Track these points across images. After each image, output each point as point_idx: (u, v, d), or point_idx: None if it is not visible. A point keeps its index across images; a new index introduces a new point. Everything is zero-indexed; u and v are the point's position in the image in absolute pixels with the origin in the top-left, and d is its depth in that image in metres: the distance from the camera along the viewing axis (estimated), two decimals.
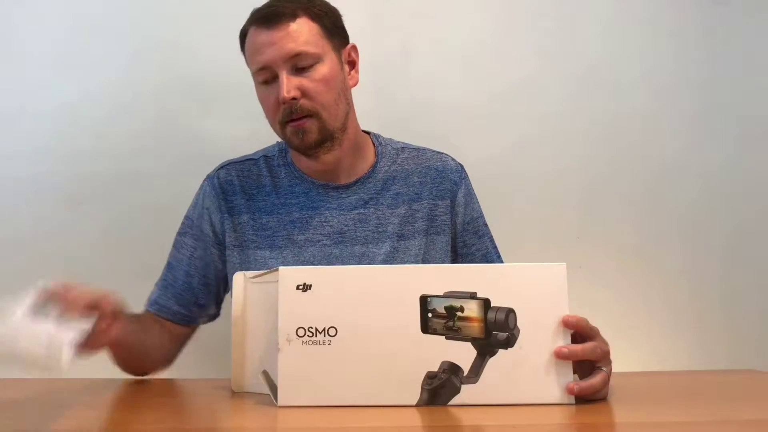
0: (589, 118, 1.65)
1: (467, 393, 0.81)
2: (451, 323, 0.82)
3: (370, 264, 1.16)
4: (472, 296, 0.83)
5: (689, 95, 1.66)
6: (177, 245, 1.23)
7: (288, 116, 1.12)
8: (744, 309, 1.64)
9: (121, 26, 1.57)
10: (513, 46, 1.64)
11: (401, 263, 1.17)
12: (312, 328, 0.82)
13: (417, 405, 0.81)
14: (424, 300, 0.83)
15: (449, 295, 0.83)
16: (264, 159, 1.25)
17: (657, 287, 1.63)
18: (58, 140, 1.55)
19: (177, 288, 1.20)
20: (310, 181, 1.21)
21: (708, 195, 1.66)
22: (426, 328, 0.82)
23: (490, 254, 1.27)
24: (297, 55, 1.10)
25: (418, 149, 1.28)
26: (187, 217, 1.25)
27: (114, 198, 1.56)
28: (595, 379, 0.83)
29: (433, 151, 1.28)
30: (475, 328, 0.82)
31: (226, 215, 1.20)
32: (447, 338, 0.82)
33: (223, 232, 1.20)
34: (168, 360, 1.21)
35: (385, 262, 1.17)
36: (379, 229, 1.19)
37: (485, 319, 0.82)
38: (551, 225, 1.62)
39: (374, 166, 1.23)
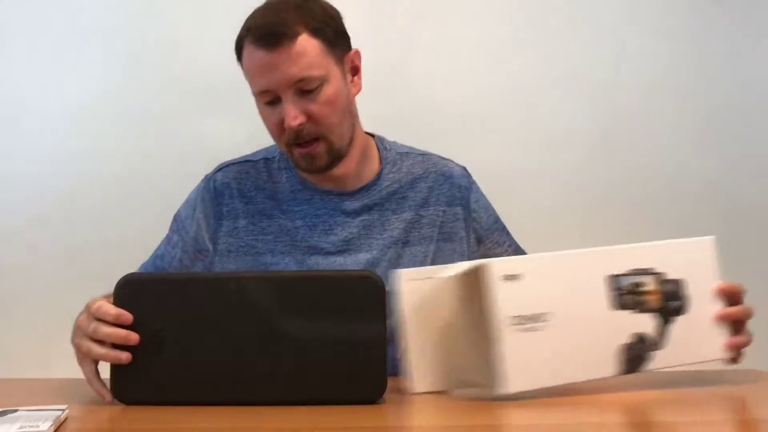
0: (591, 120, 1.68)
1: (656, 359, 0.90)
2: (635, 298, 0.90)
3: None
4: (651, 272, 0.91)
5: (691, 96, 1.70)
6: (169, 240, 1.21)
7: (294, 140, 1.09)
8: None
9: (121, 26, 1.56)
10: (515, 46, 1.67)
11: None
12: (523, 315, 0.86)
13: (616, 375, 0.89)
14: (611, 279, 0.90)
15: (632, 272, 0.91)
16: (264, 162, 1.21)
17: None
18: (58, 140, 1.53)
19: None
20: (314, 188, 1.18)
21: (711, 195, 1.70)
22: (614, 304, 0.90)
23: (514, 244, 1.27)
24: (301, 80, 1.05)
25: (423, 154, 1.25)
26: (178, 214, 1.21)
27: (114, 198, 1.55)
28: (746, 336, 0.96)
29: (438, 156, 1.26)
30: (655, 300, 0.91)
31: (220, 221, 1.16)
32: (633, 312, 0.90)
33: (214, 240, 1.16)
34: None
35: (388, 269, 1.11)
36: (384, 236, 1.17)
37: (662, 291, 0.91)
38: (553, 225, 1.65)
39: (379, 174, 1.20)
